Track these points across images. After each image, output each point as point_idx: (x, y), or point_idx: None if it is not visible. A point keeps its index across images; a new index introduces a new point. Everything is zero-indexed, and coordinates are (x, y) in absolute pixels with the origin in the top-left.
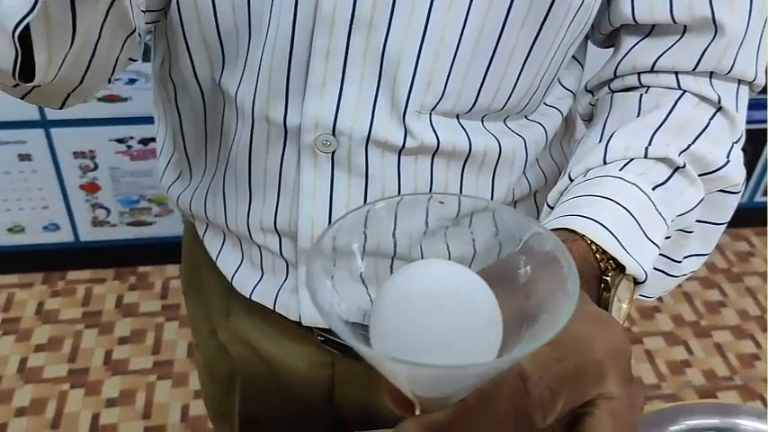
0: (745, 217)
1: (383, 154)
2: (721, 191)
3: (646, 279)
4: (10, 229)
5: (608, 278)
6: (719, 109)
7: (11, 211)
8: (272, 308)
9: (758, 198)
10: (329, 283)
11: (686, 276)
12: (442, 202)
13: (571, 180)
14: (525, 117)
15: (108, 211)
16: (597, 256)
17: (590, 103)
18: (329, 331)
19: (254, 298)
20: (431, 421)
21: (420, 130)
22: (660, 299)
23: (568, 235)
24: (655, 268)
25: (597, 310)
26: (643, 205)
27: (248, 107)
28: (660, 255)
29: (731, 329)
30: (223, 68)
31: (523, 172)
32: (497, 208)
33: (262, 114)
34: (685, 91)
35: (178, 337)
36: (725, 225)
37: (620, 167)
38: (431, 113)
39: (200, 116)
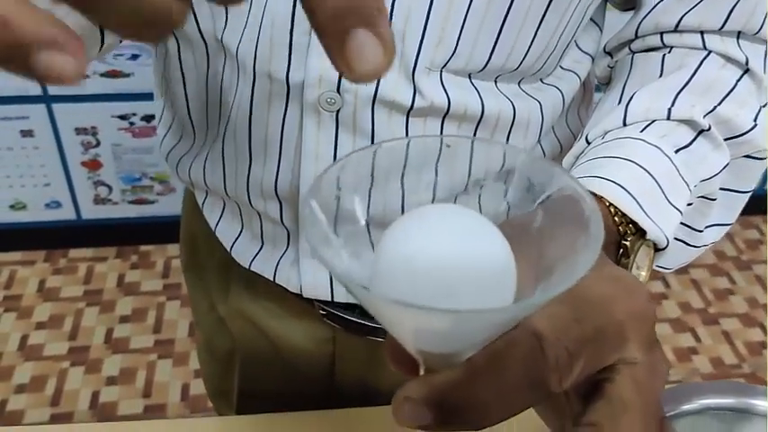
0: (756, 204)
1: (390, 114)
2: (747, 156)
3: (667, 245)
4: (12, 206)
5: (627, 243)
6: (747, 71)
7: (13, 187)
8: (272, 279)
9: None
10: (329, 230)
11: (707, 247)
12: (449, 146)
13: (588, 143)
14: (541, 80)
15: (110, 188)
16: (616, 219)
17: (608, 66)
18: (331, 305)
19: (253, 269)
20: (436, 381)
21: (430, 89)
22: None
23: None
24: (676, 238)
25: (619, 271)
26: (665, 168)
27: (249, 63)
28: (681, 224)
29: (739, 317)
30: (226, 23)
31: (538, 140)
32: (519, 161)
33: (263, 71)
34: (711, 51)
35: (179, 316)
36: (749, 193)
37: (640, 129)
38: (441, 71)
39: (203, 74)
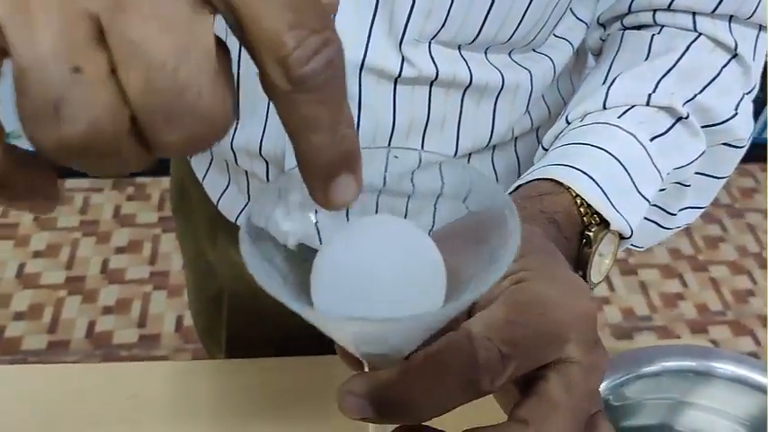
0: (752, 152)
1: (378, 81)
2: (725, 144)
3: (631, 235)
4: (8, 134)
5: (591, 233)
6: (735, 56)
7: (9, 117)
8: None
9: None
10: (276, 214)
11: (680, 228)
12: (396, 157)
13: (568, 123)
14: (533, 50)
15: None
16: (582, 210)
17: (601, 38)
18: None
19: (239, 223)
20: (376, 379)
21: (418, 59)
22: None
23: (553, 186)
24: (649, 219)
25: (565, 273)
26: (638, 157)
27: None
28: (654, 206)
29: (728, 265)
30: None
31: (527, 108)
32: (459, 164)
33: None
34: (701, 34)
35: (174, 249)
36: (725, 179)
37: (618, 114)
38: (430, 42)
39: None
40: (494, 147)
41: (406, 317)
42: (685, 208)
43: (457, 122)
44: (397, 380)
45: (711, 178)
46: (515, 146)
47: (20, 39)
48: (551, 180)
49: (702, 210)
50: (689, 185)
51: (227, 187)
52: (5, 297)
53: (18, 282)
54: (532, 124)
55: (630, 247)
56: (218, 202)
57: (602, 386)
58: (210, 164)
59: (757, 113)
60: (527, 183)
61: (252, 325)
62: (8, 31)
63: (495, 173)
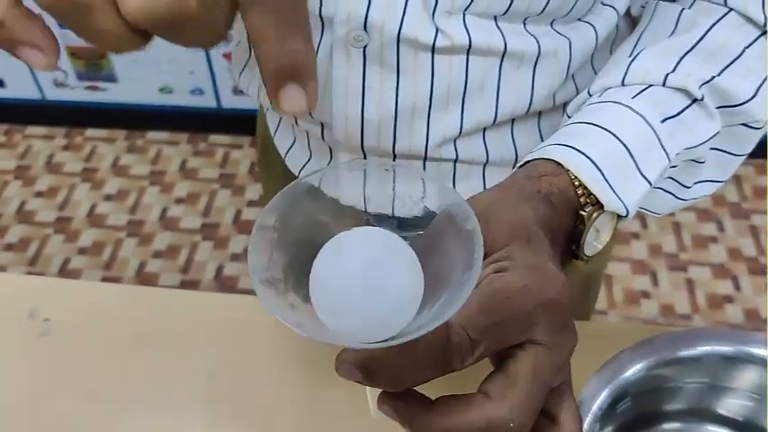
0: None
1: (416, 51)
2: (744, 125)
3: (627, 214)
4: (161, 89)
5: (584, 213)
6: (764, 33)
7: (161, 72)
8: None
9: None
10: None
11: (696, 200)
12: (387, 170)
13: (590, 95)
14: (578, 19)
15: None
16: (578, 191)
17: (642, 6)
18: (377, 218)
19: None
20: (366, 354)
21: (451, 30)
22: (722, 228)
23: (554, 168)
24: (663, 189)
25: (542, 262)
26: (644, 140)
27: None
28: (669, 178)
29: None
30: None
31: (571, 74)
32: (438, 184)
33: None
34: (731, 9)
35: None
36: (744, 156)
37: (633, 95)
38: (464, 14)
39: None
40: (539, 113)
41: (398, 340)
42: (702, 181)
43: (496, 88)
44: (383, 355)
45: (729, 155)
46: (564, 112)
47: None
48: (551, 161)
49: (721, 184)
50: (703, 162)
51: (293, 144)
52: (149, 236)
53: (160, 224)
54: (578, 91)
55: (646, 212)
56: (285, 156)
57: (640, 366)
58: (279, 122)
59: None
60: (530, 162)
61: None
62: None
63: (542, 138)
